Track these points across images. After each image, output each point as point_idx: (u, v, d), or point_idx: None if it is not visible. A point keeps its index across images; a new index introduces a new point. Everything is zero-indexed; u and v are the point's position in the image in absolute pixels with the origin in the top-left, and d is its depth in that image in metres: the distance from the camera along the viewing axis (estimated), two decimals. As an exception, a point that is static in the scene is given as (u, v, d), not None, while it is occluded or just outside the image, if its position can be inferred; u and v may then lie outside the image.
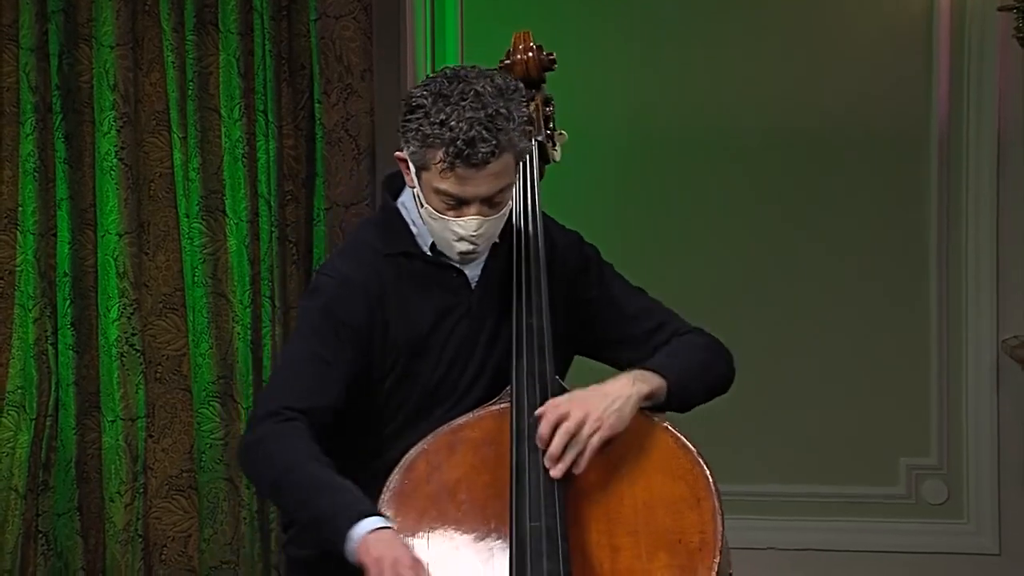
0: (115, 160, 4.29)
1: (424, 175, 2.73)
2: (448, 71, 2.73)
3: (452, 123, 2.65)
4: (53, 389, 4.34)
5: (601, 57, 4.57)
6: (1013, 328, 4.46)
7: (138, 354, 4.33)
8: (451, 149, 2.65)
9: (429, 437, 2.76)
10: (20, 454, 4.31)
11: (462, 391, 2.85)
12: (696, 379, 2.85)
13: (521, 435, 2.70)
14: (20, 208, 4.33)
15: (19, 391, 4.33)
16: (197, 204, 4.34)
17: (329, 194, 4.27)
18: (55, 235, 4.35)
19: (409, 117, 2.71)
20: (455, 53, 4.52)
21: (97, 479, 4.38)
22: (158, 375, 4.38)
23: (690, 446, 2.76)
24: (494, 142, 2.65)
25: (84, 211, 4.36)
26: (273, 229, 4.31)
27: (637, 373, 2.78)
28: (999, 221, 4.48)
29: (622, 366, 2.92)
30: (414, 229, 2.85)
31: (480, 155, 2.65)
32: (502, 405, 2.79)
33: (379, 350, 2.81)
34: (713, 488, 2.70)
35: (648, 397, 2.76)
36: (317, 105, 4.28)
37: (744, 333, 4.52)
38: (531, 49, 3.06)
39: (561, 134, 3.04)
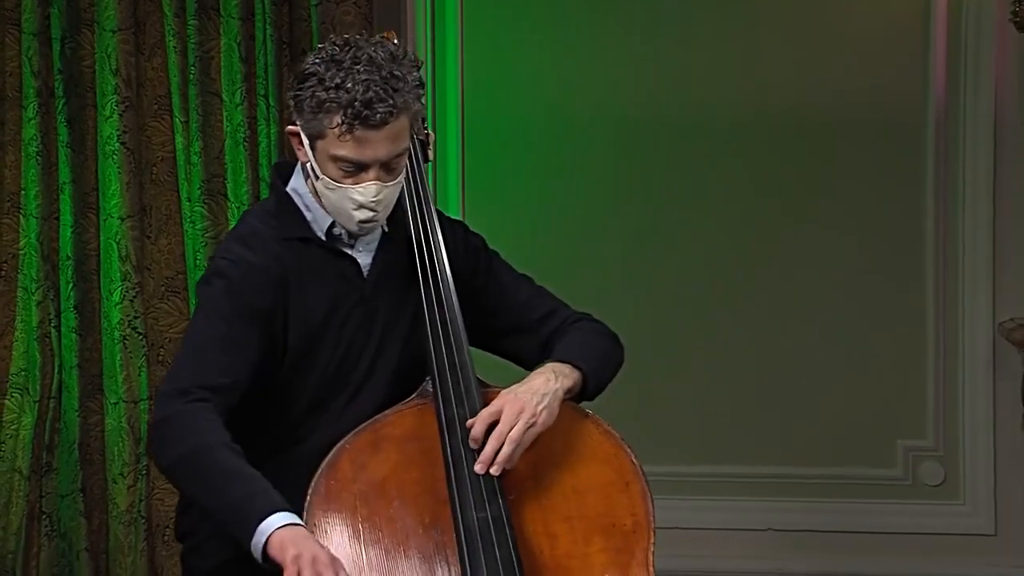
0: (117, 144, 4.29)
1: (320, 144, 2.70)
2: (338, 39, 2.71)
3: (348, 85, 2.62)
4: (56, 371, 4.34)
5: (599, 49, 4.57)
6: (1009, 311, 4.48)
7: (141, 337, 4.34)
8: (349, 111, 2.63)
9: (349, 436, 2.73)
10: (24, 436, 4.32)
11: (358, 382, 2.82)
12: (605, 366, 2.86)
13: (451, 428, 2.71)
14: (23, 192, 4.33)
15: (22, 373, 4.34)
16: (199, 188, 4.34)
17: (330, 178, 4.29)
18: (58, 219, 4.35)
19: (301, 87, 2.68)
20: (455, 38, 4.52)
21: (100, 461, 4.39)
22: (160, 358, 4.38)
23: (613, 432, 2.79)
24: (391, 102, 2.63)
25: (86, 195, 4.36)
26: (274, 213, 4.33)
27: (554, 367, 2.79)
28: (995, 205, 4.49)
29: (513, 356, 2.96)
30: (308, 215, 2.81)
31: (379, 115, 2.63)
32: (420, 401, 2.78)
33: (279, 336, 2.77)
34: (639, 471, 2.74)
35: (569, 391, 2.77)
36: (318, 90, 4.31)
37: (744, 318, 4.56)
38: None
39: (429, 134, 3.03)
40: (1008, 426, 4.50)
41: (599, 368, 2.84)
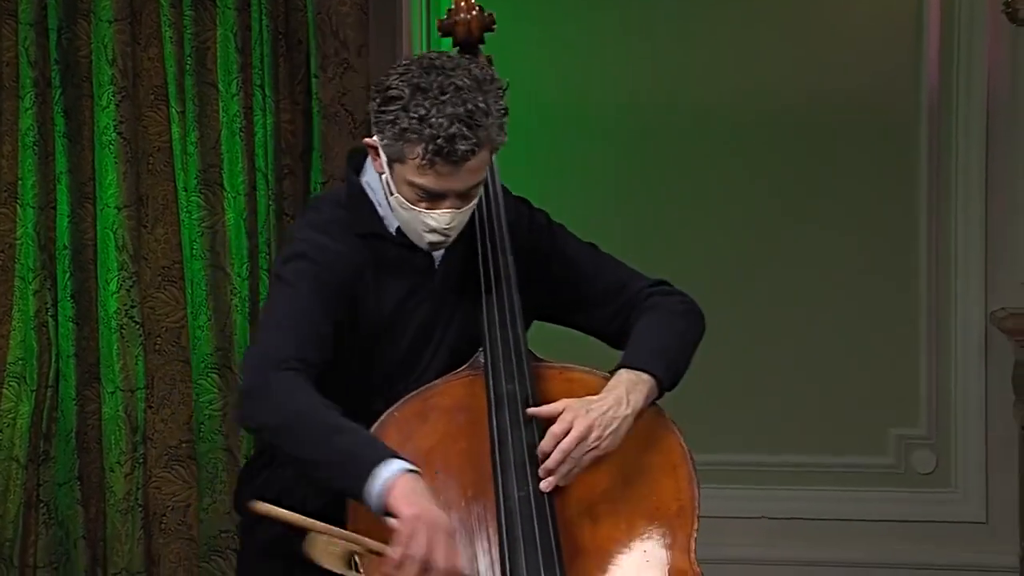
0: (114, 134, 4.31)
1: (398, 167, 2.67)
2: (424, 61, 2.66)
3: (432, 119, 2.58)
4: (53, 360, 4.36)
5: (596, 47, 4.57)
6: (1001, 300, 4.48)
7: (137, 326, 4.35)
8: (431, 147, 2.59)
9: (398, 404, 2.71)
10: (21, 425, 4.34)
11: (420, 371, 2.79)
12: (681, 356, 2.82)
13: (500, 403, 2.69)
14: (20, 181, 4.34)
15: (20, 362, 4.36)
16: (195, 178, 4.35)
17: (326, 168, 4.28)
18: (55, 208, 4.37)
19: (384, 108, 2.64)
20: None
21: (97, 449, 4.40)
22: (157, 347, 4.40)
23: (663, 414, 2.77)
24: (474, 140, 2.60)
25: (83, 184, 4.37)
26: (270, 203, 4.33)
27: (630, 380, 2.73)
28: (988, 196, 4.49)
29: (585, 329, 2.92)
30: (380, 211, 2.78)
31: (459, 153, 2.59)
32: (471, 372, 2.76)
33: (351, 323, 2.75)
34: (688, 455, 2.72)
35: (643, 407, 2.73)
36: (314, 80, 4.29)
37: (738, 308, 4.57)
38: (474, 8, 3.02)
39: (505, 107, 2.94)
40: (999, 415, 4.51)
41: (675, 363, 2.79)
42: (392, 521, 2.44)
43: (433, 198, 2.66)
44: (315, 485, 2.64)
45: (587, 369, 2.81)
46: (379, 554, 2.43)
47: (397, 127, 2.61)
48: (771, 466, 4.64)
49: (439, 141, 2.58)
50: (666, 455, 2.72)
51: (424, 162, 2.61)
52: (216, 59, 4.33)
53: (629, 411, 2.68)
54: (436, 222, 2.68)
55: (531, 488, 2.61)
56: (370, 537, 2.47)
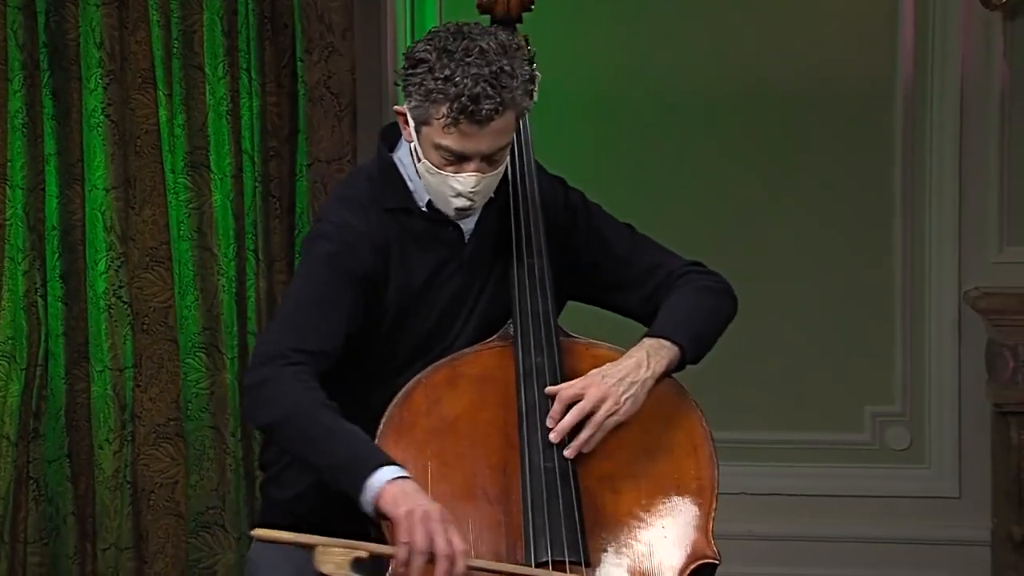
0: (102, 117, 4.33)
1: (424, 130, 2.69)
2: (452, 27, 2.70)
3: (457, 79, 2.61)
4: (43, 340, 4.38)
5: (568, 30, 4.54)
6: (974, 280, 4.50)
7: (126, 306, 4.38)
8: (455, 105, 2.62)
9: (427, 370, 2.73)
10: (11, 403, 4.36)
11: (450, 342, 2.81)
12: (707, 329, 2.84)
13: (528, 375, 2.71)
14: (9, 163, 4.36)
15: (9, 342, 4.38)
16: (182, 160, 4.38)
17: (311, 150, 4.31)
18: (43, 190, 4.39)
19: (412, 71, 2.67)
20: (434, 12, 4.53)
21: (86, 427, 4.43)
22: (145, 326, 4.42)
23: (686, 394, 2.78)
24: (498, 99, 2.62)
25: (72, 166, 4.39)
26: (257, 184, 4.36)
27: (652, 346, 2.75)
28: (961, 177, 4.50)
29: (619, 310, 2.93)
30: (410, 185, 2.81)
31: (484, 112, 2.62)
32: (501, 343, 2.78)
33: (377, 301, 2.77)
34: (709, 435, 2.75)
35: (665, 372, 2.75)
36: (299, 63, 4.32)
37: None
38: None
39: (536, 74, 2.91)
40: (972, 393, 4.53)
41: (700, 335, 2.80)
42: (388, 523, 2.50)
43: (459, 160, 2.68)
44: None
45: (614, 347, 2.82)
46: (384, 556, 2.48)
47: (423, 89, 2.65)
48: (750, 443, 4.61)
49: (463, 99, 2.61)
50: (688, 434, 2.74)
51: (449, 120, 2.64)
52: (203, 42, 4.34)
53: (649, 374, 2.71)
54: (462, 185, 2.70)
55: (556, 460, 2.62)
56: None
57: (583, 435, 2.66)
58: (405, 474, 2.53)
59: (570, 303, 2.97)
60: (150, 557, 4.46)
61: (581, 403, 2.66)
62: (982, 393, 4.50)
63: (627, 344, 2.82)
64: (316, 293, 2.73)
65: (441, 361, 2.75)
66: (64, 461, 4.43)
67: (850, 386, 4.62)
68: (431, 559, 2.46)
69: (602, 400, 2.66)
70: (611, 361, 2.76)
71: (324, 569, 2.47)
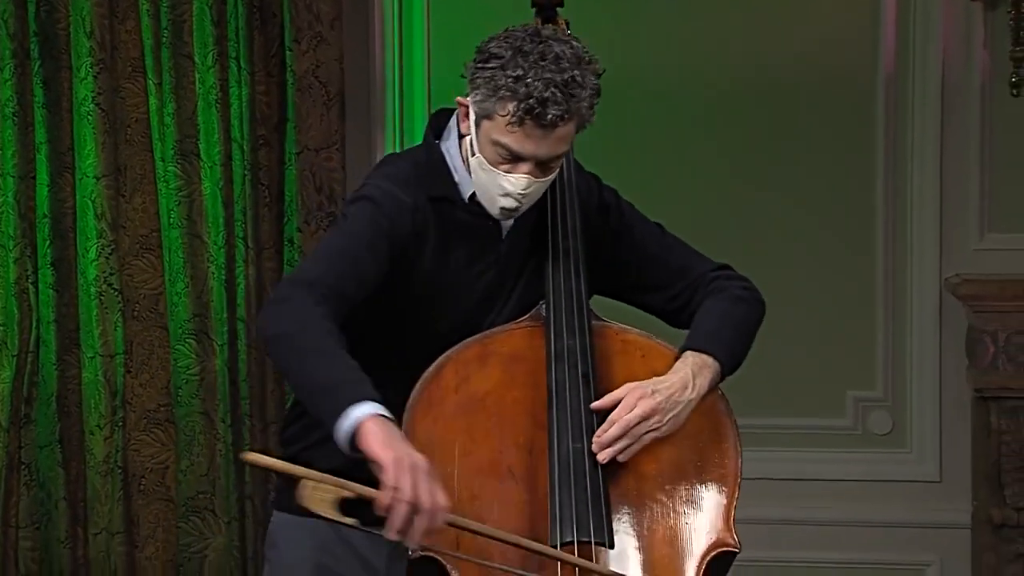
0: (92, 105, 4.35)
1: (485, 124, 2.68)
2: (529, 28, 2.69)
3: (529, 80, 2.60)
4: (34, 327, 4.41)
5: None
6: (955, 267, 4.52)
7: (116, 293, 4.40)
8: (523, 105, 2.61)
9: (458, 346, 2.72)
10: (3, 389, 4.40)
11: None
12: (742, 341, 2.84)
13: (559, 356, 2.70)
14: (0, 152, 4.40)
15: (1, 329, 4.40)
16: (172, 148, 4.40)
17: (300, 139, 4.34)
18: (34, 178, 4.41)
19: (483, 65, 2.66)
20: (422, 2, 4.55)
21: (77, 413, 4.45)
22: (135, 313, 4.45)
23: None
24: (565, 107, 2.62)
25: (62, 155, 4.42)
26: (246, 172, 4.38)
27: (696, 364, 2.74)
28: (943, 165, 4.52)
29: (647, 309, 2.93)
30: (455, 176, 2.79)
31: (550, 116, 2.61)
32: (532, 323, 2.77)
33: (404, 277, 2.75)
34: (734, 425, 2.75)
35: (707, 391, 2.74)
36: (288, 52, 4.35)
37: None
38: None
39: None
40: (953, 378, 4.55)
41: (736, 349, 2.81)
42: (374, 466, 2.44)
43: (515, 160, 2.68)
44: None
45: (644, 333, 2.82)
46: (367, 498, 2.45)
47: (493, 83, 2.64)
48: None
49: (531, 101, 2.61)
50: (713, 424, 2.74)
51: (514, 119, 2.63)
52: (192, 32, 4.37)
53: (695, 395, 2.71)
54: (512, 186, 2.69)
55: (585, 443, 2.62)
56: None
57: (620, 445, 2.64)
58: (387, 414, 2.48)
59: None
60: (141, 541, 4.49)
61: (628, 417, 2.64)
62: (963, 378, 4.53)
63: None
64: (349, 243, 2.71)
65: (472, 338, 2.74)
66: (55, 446, 4.46)
67: (832, 372, 4.63)
68: (413, 510, 2.43)
69: (648, 416, 2.66)
70: (641, 346, 2.78)
71: (308, 504, 2.44)
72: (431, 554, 2.51)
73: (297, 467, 2.48)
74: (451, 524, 2.47)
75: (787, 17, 4.56)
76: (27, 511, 4.44)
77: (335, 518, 2.45)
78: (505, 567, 2.53)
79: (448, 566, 2.53)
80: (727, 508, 2.67)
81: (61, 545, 4.47)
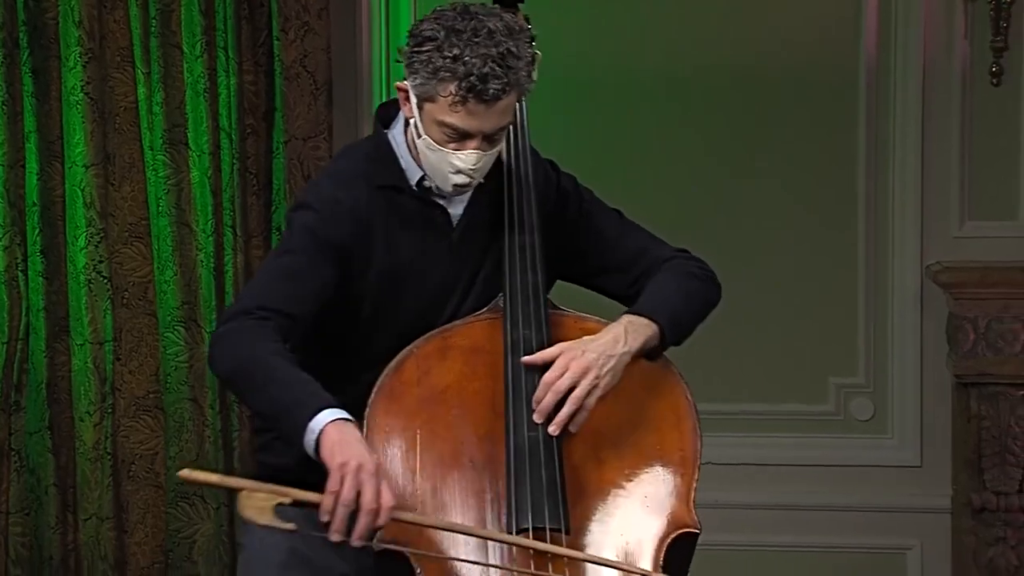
0: (81, 94, 4.36)
1: (428, 107, 2.71)
2: (459, 7, 2.71)
3: (466, 58, 2.63)
4: (24, 314, 4.42)
5: (537, 11, 4.51)
6: (936, 255, 4.55)
7: (105, 281, 4.41)
8: (464, 83, 2.64)
9: (418, 341, 2.75)
10: (-8, 376, 4.39)
11: (444, 320, 2.83)
12: (687, 312, 2.86)
13: (516, 347, 2.73)
14: (-11, 140, 4.40)
15: (-9, 316, 4.40)
16: (161, 137, 4.41)
17: (288, 128, 4.36)
18: (24, 166, 4.42)
19: (418, 49, 2.68)
20: (408, 8, 4.56)
21: (67, 400, 4.47)
22: (125, 301, 4.46)
23: (672, 367, 2.81)
24: (505, 80, 2.65)
25: (51, 143, 4.42)
26: (234, 161, 4.40)
27: (629, 322, 2.77)
28: (924, 153, 4.55)
29: (605, 293, 2.96)
30: (402, 163, 2.82)
31: (492, 91, 2.65)
32: (491, 315, 2.80)
33: (359, 276, 2.78)
34: (693, 408, 2.77)
35: (642, 348, 2.76)
36: (276, 42, 4.36)
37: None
38: None
39: (537, 54, 2.87)
40: (934, 364, 4.58)
41: (679, 316, 2.82)
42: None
43: (461, 138, 2.71)
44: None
45: (602, 320, 2.83)
46: (309, 503, 2.47)
47: (431, 66, 2.67)
48: (715, 414, 4.55)
49: (472, 79, 2.64)
50: (672, 406, 2.77)
51: (457, 99, 2.66)
52: (180, 21, 4.38)
53: (626, 348, 2.73)
54: (462, 163, 2.72)
55: (540, 431, 2.65)
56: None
57: (564, 411, 2.67)
58: (346, 416, 2.52)
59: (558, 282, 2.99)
60: (130, 527, 4.51)
61: (560, 381, 2.68)
62: (943, 365, 4.56)
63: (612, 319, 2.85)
64: (290, 260, 2.75)
65: (433, 332, 2.77)
66: (45, 433, 4.48)
67: (815, 358, 4.66)
68: (354, 511, 2.46)
69: (582, 375, 2.68)
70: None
71: (247, 514, 2.45)
72: (390, 548, 2.53)
73: (232, 479, 2.54)
74: (398, 520, 2.50)
75: (769, 6, 4.58)
76: (17, 497, 4.44)
77: (274, 524, 2.46)
78: (465, 558, 2.56)
79: (411, 560, 2.56)
80: (687, 490, 2.70)
81: (51, 531, 4.48)
